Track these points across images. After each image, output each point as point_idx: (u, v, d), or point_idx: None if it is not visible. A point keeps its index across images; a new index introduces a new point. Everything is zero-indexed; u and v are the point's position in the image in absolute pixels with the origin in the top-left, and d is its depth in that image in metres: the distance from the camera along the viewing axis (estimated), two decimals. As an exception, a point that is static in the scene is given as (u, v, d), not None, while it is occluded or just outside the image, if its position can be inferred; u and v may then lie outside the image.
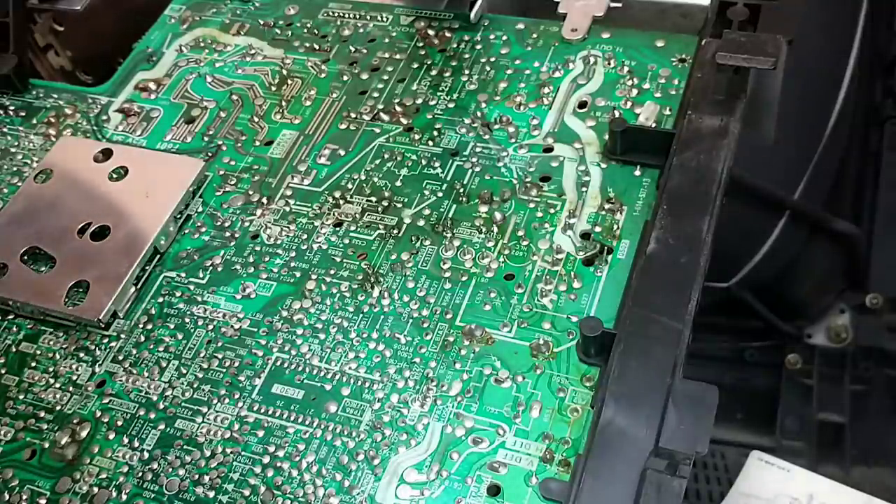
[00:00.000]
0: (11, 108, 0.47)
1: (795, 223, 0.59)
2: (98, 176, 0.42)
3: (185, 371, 0.36)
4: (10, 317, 0.39)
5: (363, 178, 0.40)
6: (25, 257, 0.39)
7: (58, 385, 0.36)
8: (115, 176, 0.41)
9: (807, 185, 0.58)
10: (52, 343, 0.38)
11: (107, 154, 0.42)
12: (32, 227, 0.40)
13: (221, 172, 0.42)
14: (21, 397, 0.36)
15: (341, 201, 0.39)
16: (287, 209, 0.40)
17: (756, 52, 0.35)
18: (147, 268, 0.39)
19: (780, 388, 0.64)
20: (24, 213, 0.41)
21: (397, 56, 0.45)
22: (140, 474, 0.33)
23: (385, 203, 0.39)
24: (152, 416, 0.35)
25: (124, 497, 0.33)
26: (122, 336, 0.37)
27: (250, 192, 0.41)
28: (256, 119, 0.44)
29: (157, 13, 0.50)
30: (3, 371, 0.37)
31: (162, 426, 0.34)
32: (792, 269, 0.62)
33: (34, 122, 0.46)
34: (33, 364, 0.37)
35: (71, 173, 0.42)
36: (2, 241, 0.40)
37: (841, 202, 0.62)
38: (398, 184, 0.40)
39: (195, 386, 0.35)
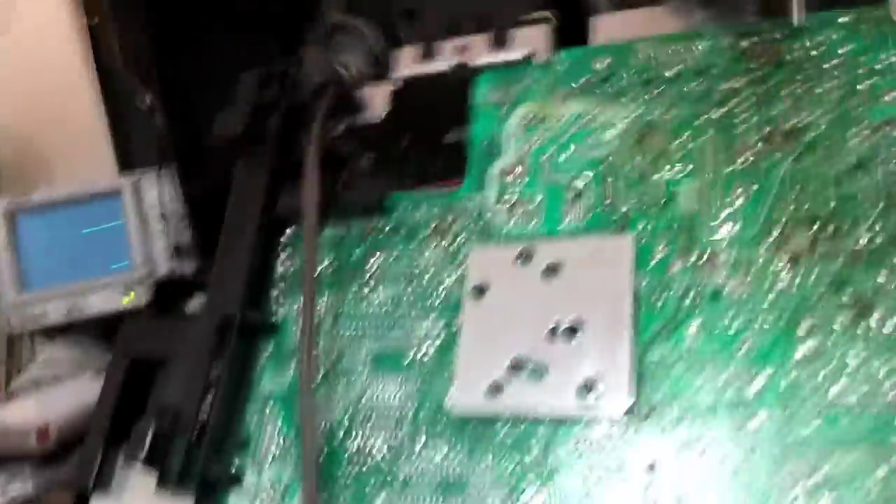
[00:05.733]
0: (388, 228, 0.50)
1: None
2: (531, 277, 0.44)
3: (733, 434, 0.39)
4: (523, 426, 0.42)
5: (792, 208, 0.43)
6: (514, 369, 0.42)
7: (612, 477, 0.40)
8: (547, 273, 0.44)
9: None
10: (577, 443, 0.41)
11: (527, 253, 0.45)
12: (499, 341, 0.43)
13: (643, 241, 0.44)
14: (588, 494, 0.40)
15: (787, 237, 0.42)
16: (725, 258, 0.42)
17: None
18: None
19: None
20: (483, 333, 0.44)
21: (737, 83, 0.47)
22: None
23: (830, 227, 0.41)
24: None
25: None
26: (650, 419, 0.40)
27: (685, 250, 0.43)
28: (644, 179, 0.46)
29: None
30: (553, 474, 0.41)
31: None
32: None
33: (420, 237, 0.49)
34: (578, 461, 0.41)
35: (503, 282, 0.45)
36: (484, 362, 0.43)
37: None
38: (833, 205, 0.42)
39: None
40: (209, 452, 0.45)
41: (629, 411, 0.40)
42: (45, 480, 0.70)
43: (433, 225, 0.49)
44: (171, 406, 0.46)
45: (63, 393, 0.89)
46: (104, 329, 0.63)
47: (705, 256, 0.43)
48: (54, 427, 0.77)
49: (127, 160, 1.00)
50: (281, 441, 0.46)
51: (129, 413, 0.47)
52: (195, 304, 0.51)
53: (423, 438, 0.43)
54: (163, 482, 0.44)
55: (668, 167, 0.46)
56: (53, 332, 1.00)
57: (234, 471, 0.46)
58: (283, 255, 0.51)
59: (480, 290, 0.45)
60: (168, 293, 0.52)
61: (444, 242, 0.48)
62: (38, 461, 0.73)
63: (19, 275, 0.98)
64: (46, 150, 1.17)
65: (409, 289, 0.48)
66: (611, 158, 0.47)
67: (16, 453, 0.76)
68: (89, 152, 1.08)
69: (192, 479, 0.44)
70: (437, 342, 0.46)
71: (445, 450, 0.43)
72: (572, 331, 0.42)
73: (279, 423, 0.47)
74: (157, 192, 0.94)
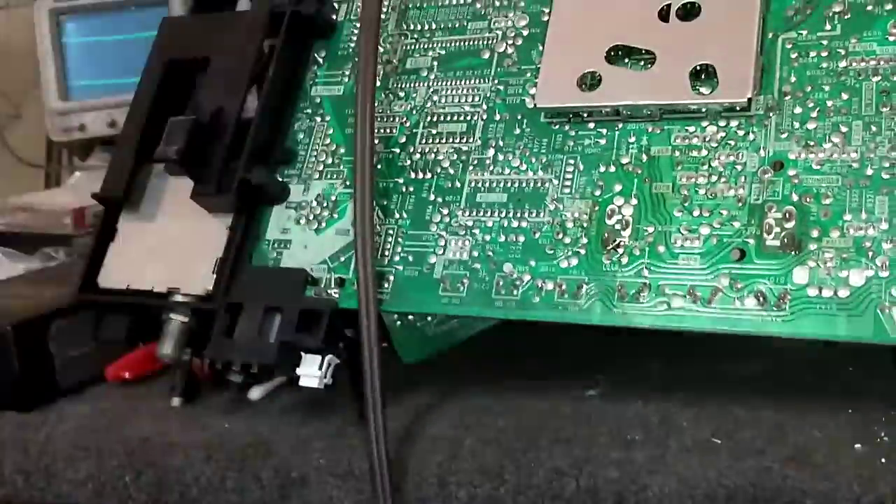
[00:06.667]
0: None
1: None
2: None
3: (875, 129, 0.31)
4: (619, 126, 0.35)
5: None
6: (613, 60, 0.35)
7: (724, 178, 0.33)
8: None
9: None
10: (687, 140, 0.34)
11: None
12: (599, 28, 0.36)
13: (782, -86, 0.36)
14: (687, 203, 0.32)
15: None
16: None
17: None
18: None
19: None
20: (580, 17, 0.36)
21: None
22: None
23: None
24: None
25: None
26: (773, 114, 0.33)
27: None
28: None
29: None
30: (647, 181, 0.34)
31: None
32: None
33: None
34: (679, 166, 0.33)
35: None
36: (579, 51, 0.35)
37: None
38: None
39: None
40: (251, 161, 0.39)
41: (751, 103, 0.33)
42: (79, 250, 0.66)
43: None
44: (211, 105, 0.40)
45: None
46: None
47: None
48: (91, 211, 0.74)
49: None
50: (331, 153, 0.40)
51: (165, 121, 0.40)
52: (245, 3, 0.44)
53: (498, 144, 0.36)
54: (200, 187, 0.38)
55: None
56: (93, 145, 0.97)
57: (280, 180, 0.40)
58: (345, -46, 0.44)
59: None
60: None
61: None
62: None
63: (62, 82, 0.93)
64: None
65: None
66: None
67: (54, 234, 0.73)
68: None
69: (231, 185, 0.38)
70: (523, 36, 0.38)
71: (523, 157, 0.36)
72: (689, 13, 0.34)
73: (330, 133, 0.40)
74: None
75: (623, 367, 0.38)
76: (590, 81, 0.35)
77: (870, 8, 0.33)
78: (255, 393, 0.42)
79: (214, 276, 0.38)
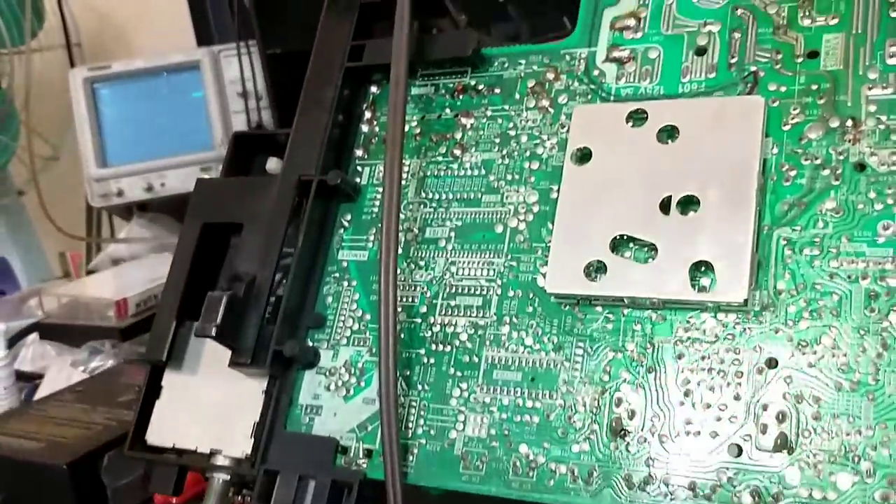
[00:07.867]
0: (481, 86, 0.44)
1: None
2: (644, 141, 0.39)
3: (863, 333, 0.33)
4: (625, 312, 0.37)
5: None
6: (616, 248, 0.37)
7: (722, 374, 0.35)
8: (663, 137, 0.38)
9: None
10: (688, 331, 0.36)
11: (641, 114, 0.39)
12: (603, 217, 0.38)
13: (776, 103, 0.38)
14: (689, 396, 0.35)
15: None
16: (883, 126, 0.36)
17: None
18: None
19: None
20: (585, 204, 0.39)
21: None
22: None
23: None
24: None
25: None
26: (768, 311, 0.35)
27: (826, 117, 0.37)
28: (781, 30, 0.39)
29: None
30: (651, 371, 0.36)
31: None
32: None
33: (517, 96, 0.43)
34: (681, 358, 0.36)
35: (612, 146, 0.39)
36: (584, 238, 0.38)
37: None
38: None
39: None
40: (284, 328, 0.42)
41: (748, 301, 0.35)
42: (125, 354, 0.70)
43: (532, 83, 0.43)
44: (245, 275, 0.42)
45: (141, 269, 0.90)
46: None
47: (849, 123, 0.36)
48: (132, 301, 0.77)
49: (206, 36, 0.97)
50: (358, 318, 0.42)
51: (202, 282, 0.44)
52: (274, 163, 0.47)
53: (512, 320, 0.39)
54: (236, 359, 0.41)
55: (812, 18, 0.39)
56: (132, 211, 1.01)
57: (311, 344, 0.43)
58: (367, 115, 0.46)
59: (584, 155, 0.39)
60: (246, 149, 0.48)
61: (543, 102, 0.43)
62: (119, 337, 0.74)
63: (99, 148, 0.97)
64: (126, 22, 1.16)
65: (504, 153, 0.42)
66: (746, 5, 0.40)
67: (96, 326, 0.76)
68: (169, 26, 1.06)
69: (266, 356, 0.41)
70: (533, 213, 0.41)
71: (535, 336, 0.38)
72: (687, 205, 0.37)
73: (356, 299, 0.43)
74: (238, 67, 0.91)
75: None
76: (596, 267, 0.37)
77: (860, 207, 0.35)
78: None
79: (252, 439, 0.41)
